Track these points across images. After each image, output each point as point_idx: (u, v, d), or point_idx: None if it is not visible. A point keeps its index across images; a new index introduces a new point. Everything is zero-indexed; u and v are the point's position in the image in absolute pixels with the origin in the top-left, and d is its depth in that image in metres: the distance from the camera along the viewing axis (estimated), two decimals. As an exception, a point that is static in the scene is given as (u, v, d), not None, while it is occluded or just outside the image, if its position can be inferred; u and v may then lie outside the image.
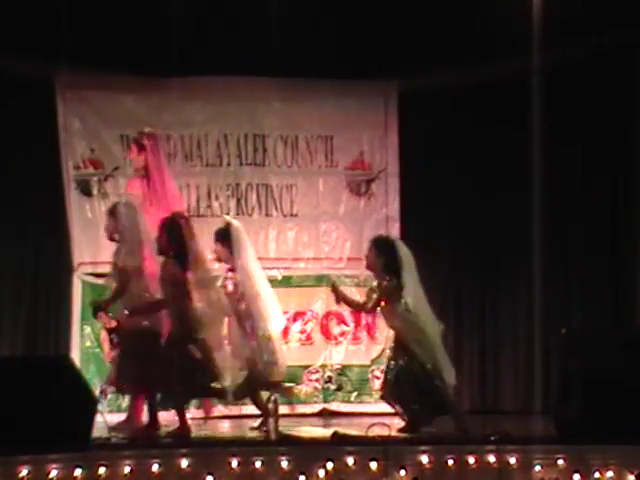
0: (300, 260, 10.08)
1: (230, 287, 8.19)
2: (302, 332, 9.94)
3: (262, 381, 8.17)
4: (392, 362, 8.05)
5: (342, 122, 10.15)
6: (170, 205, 8.57)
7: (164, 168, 8.79)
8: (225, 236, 8.28)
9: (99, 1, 9.20)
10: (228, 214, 9.92)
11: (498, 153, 10.01)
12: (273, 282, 9.84)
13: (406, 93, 10.14)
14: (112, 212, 8.11)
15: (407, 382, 7.87)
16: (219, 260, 8.34)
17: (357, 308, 8.62)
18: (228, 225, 8.34)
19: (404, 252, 8.03)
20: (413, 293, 7.97)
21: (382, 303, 8.01)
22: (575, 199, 9.97)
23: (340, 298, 8.25)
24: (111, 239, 8.14)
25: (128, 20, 9.22)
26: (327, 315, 9.98)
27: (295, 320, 9.96)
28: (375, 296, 8.02)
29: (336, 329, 9.99)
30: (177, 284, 7.66)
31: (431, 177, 10.10)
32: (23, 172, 9.51)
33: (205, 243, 9.85)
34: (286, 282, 9.97)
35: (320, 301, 9.98)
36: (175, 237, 7.75)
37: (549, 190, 9.47)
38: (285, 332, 9.90)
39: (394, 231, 10.13)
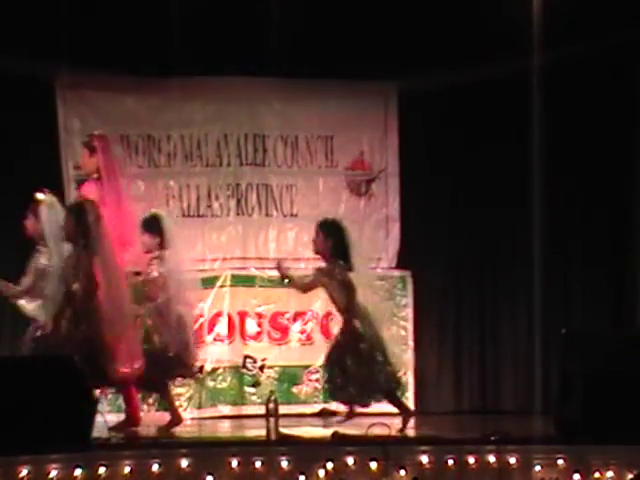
0: (300, 260, 10.05)
1: (154, 274, 8.11)
2: (302, 332, 9.94)
3: (173, 368, 8.12)
4: (338, 347, 8.10)
5: (342, 122, 10.15)
6: (124, 206, 8.49)
7: (116, 169, 8.68)
8: (151, 226, 8.17)
9: (99, 1, 9.19)
10: (228, 214, 9.98)
11: (498, 153, 10.01)
12: (273, 282, 9.90)
13: (406, 93, 10.14)
14: (34, 212, 8.10)
15: (352, 364, 7.89)
16: (147, 251, 8.21)
17: (300, 289, 8.56)
18: (155, 215, 8.25)
19: (351, 234, 8.08)
20: (362, 275, 8.00)
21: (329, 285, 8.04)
22: (575, 199, 9.97)
23: (284, 275, 8.29)
24: (31, 238, 8.12)
25: (128, 20, 9.22)
26: (327, 315, 9.97)
27: (295, 320, 9.96)
28: (321, 278, 8.06)
29: (336, 329, 9.96)
30: (87, 277, 7.67)
31: (431, 177, 10.10)
32: (23, 172, 9.50)
33: (205, 243, 9.93)
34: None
35: (320, 301, 9.96)
36: (81, 222, 7.73)
37: (550, 190, 9.46)
38: (285, 332, 9.94)
39: (394, 231, 10.15)
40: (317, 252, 8.19)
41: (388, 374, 8.04)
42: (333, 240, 8.04)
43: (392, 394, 8.19)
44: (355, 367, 7.92)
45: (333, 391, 8.21)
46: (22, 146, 9.53)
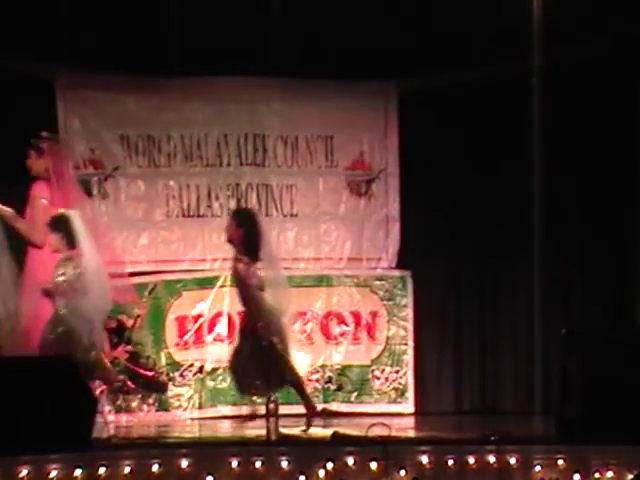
0: (300, 260, 10.08)
1: (59, 278, 7.95)
2: (302, 332, 9.93)
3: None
4: (242, 340, 8.02)
5: (342, 122, 10.15)
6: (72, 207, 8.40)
7: (65, 171, 8.64)
8: (57, 226, 8.05)
9: (99, 1, 9.19)
10: (228, 214, 9.97)
11: (498, 152, 10.01)
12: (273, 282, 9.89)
13: (406, 93, 10.14)
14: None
15: (255, 358, 7.84)
16: (55, 250, 8.08)
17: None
18: (61, 215, 8.11)
19: (262, 226, 8.06)
20: (269, 266, 8.00)
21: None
22: (576, 198, 9.97)
23: None
24: None
25: (128, 20, 9.21)
26: (327, 315, 9.99)
27: (295, 320, 9.95)
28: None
29: (336, 329, 9.99)
30: None
31: (431, 177, 10.10)
32: (23, 172, 9.49)
33: (205, 243, 9.93)
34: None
35: (320, 301, 9.98)
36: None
37: (550, 188, 9.47)
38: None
39: (394, 231, 10.15)
40: (229, 240, 8.06)
41: (292, 369, 7.97)
42: (244, 229, 7.94)
43: (298, 387, 8.13)
44: (257, 361, 7.83)
45: (238, 385, 8.13)
46: (22, 146, 9.52)
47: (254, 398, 8.20)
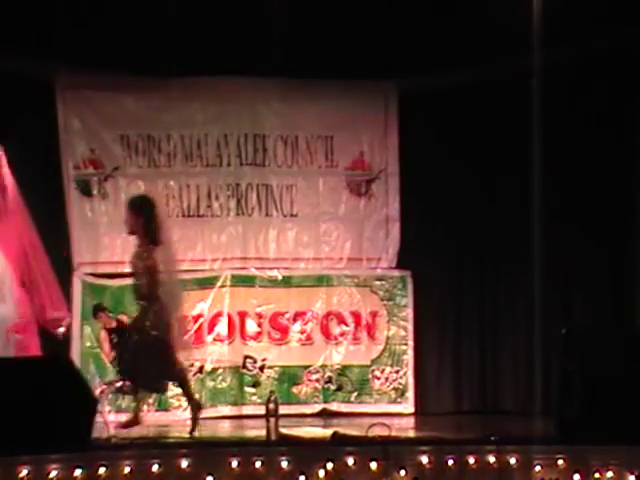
0: (300, 260, 10.08)
1: None
2: (302, 332, 9.94)
3: None
4: (131, 333, 7.85)
5: (342, 122, 10.15)
6: (12, 215, 8.35)
7: (5, 177, 8.53)
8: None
9: (99, 1, 9.19)
10: (228, 214, 9.98)
11: (498, 152, 10.01)
12: (273, 282, 9.90)
13: (406, 93, 10.14)
14: None
15: (144, 354, 7.63)
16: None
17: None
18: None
19: (161, 210, 7.91)
20: (166, 254, 7.77)
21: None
22: (576, 199, 9.96)
23: None
24: None
25: (128, 20, 9.21)
26: (327, 315, 10.00)
27: (295, 320, 9.97)
28: (135, 262, 7.78)
29: (336, 329, 10.00)
30: None
31: (431, 177, 10.10)
32: (23, 172, 9.49)
33: (205, 243, 9.94)
34: (286, 282, 9.98)
35: (320, 301, 9.99)
36: None
37: (550, 190, 9.46)
38: (285, 332, 9.94)
39: (394, 231, 10.15)
40: (131, 232, 7.86)
41: (176, 365, 7.80)
42: (144, 217, 7.73)
43: (183, 384, 8.00)
44: (143, 356, 7.64)
45: (126, 377, 7.92)
46: (22, 146, 9.53)
47: (139, 399, 7.91)
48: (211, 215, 9.99)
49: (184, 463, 6.54)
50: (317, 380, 9.88)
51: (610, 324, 9.63)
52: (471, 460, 6.74)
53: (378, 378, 9.95)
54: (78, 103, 9.77)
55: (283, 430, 7.38)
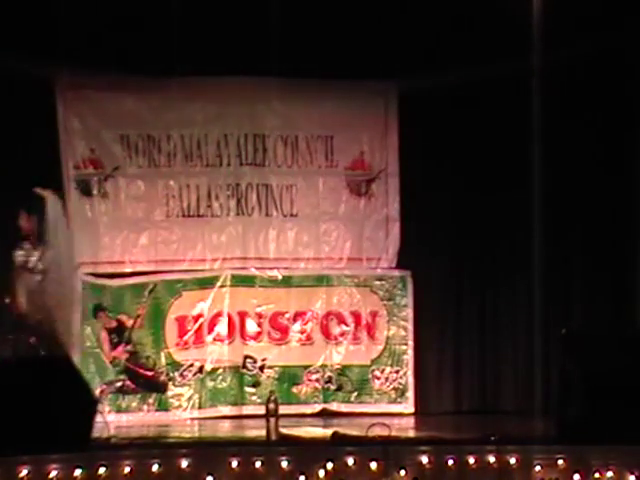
0: (300, 260, 10.08)
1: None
2: (302, 332, 9.94)
3: None
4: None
5: (342, 122, 10.15)
6: None
7: None
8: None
9: (99, 1, 9.19)
10: (228, 214, 9.98)
11: (498, 152, 10.00)
12: (273, 282, 9.90)
13: (406, 93, 10.14)
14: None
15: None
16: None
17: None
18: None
19: (54, 209, 7.55)
20: (58, 255, 7.57)
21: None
22: (576, 198, 9.96)
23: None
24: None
25: (128, 20, 9.22)
26: (327, 315, 9.99)
27: (295, 320, 9.96)
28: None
29: (336, 329, 10.00)
30: None
31: (431, 177, 10.10)
32: (23, 172, 9.50)
33: (205, 243, 9.94)
34: (286, 282, 9.98)
35: (320, 301, 9.99)
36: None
37: (550, 189, 9.46)
38: (285, 332, 9.94)
39: (394, 231, 10.15)
40: (26, 237, 7.56)
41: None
42: (37, 215, 7.52)
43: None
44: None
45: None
46: (22, 146, 9.53)
47: None
48: (211, 215, 9.98)
49: (184, 463, 6.54)
50: (317, 380, 9.88)
51: (610, 324, 9.63)
52: (471, 460, 6.75)
53: (378, 378, 9.95)
54: (78, 103, 9.77)
55: (283, 430, 7.38)
